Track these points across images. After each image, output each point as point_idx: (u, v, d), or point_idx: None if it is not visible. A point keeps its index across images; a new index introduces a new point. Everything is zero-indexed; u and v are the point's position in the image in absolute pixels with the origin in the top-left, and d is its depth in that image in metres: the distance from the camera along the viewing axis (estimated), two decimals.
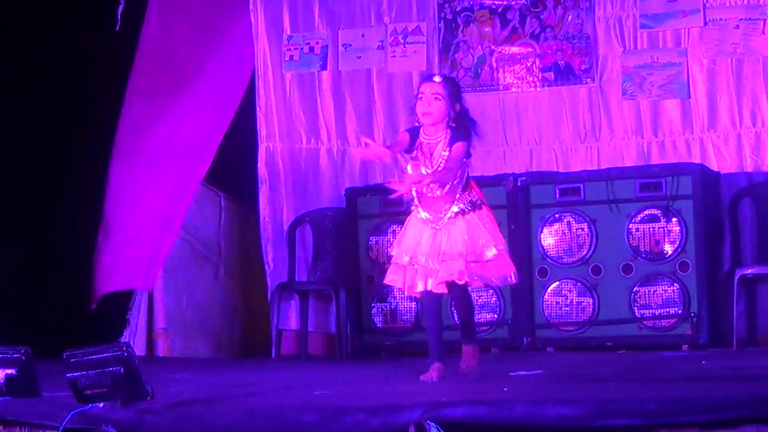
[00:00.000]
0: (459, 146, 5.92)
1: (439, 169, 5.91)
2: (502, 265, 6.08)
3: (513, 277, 6.17)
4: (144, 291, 8.30)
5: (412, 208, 6.09)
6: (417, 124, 6.00)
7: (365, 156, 6.00)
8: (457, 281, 5.93)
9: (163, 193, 8.34)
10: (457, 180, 5.97)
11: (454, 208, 5.95)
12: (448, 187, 5.94)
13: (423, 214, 6.01)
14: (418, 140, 5.96)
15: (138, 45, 8.48)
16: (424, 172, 5.94)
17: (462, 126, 6.01)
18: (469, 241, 5.92)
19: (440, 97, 5.93)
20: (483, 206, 6.03)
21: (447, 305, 7.73)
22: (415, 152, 5.97)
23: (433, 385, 5.71)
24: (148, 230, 8.30)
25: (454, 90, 6.02)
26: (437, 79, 6.03)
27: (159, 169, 8.37)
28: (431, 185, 5.91)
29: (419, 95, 5.99)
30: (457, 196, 5.97)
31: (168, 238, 8.36)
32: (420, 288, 5.96)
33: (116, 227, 8.28)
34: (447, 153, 5.91)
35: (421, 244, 5.97)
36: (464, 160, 5.98)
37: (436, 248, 5.93)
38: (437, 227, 5.96)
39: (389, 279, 6.15)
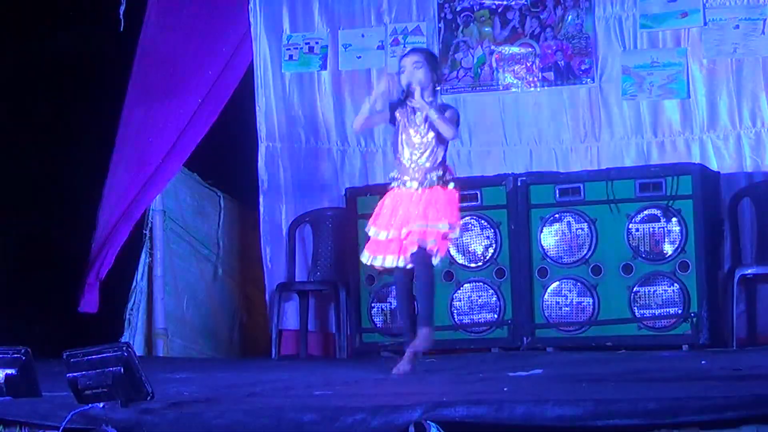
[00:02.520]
0: (453, 112, 6.31)
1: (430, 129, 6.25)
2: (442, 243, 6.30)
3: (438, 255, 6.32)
4: (100, 278, 8.32)
5: (392, 185, 6.35)
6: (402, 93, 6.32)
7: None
8: (419, 245, 6.18)
9: (140, 189, 8.38)
10: (442, 158, 6.27)
11: (433, 176, 6.24)
12: (433, 158, 6.24)
13: (409, 184, 6.25)
14: (407, 108, 6.31)
15: (137, 46, 8.49)
16: (414, 137, 6.26)
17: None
18: (434, 211, 6.20)
19: (420, 65, 6.27)
20: (453, 186, 6.32)
21: (447, 305, 7.75)
22: (400, 122, 6.32)
23: (432, 384, 5.72)
24: (121, 225, 8.35)
25: (432, 60, 6.39)
26: (407, 51, 6.50)
27: (148, 170, 8.39)
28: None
29: (401, 69, 6.33)
30: (438, 168, 6.25)
31: (126, 227, 8.40)
32: (390, 263, 6.28)
33: (103, 230, 8.30)
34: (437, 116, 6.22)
35: (397, 217, 6.25)
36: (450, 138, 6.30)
37: (407, 220, 6.21)
38: (413, 199, 6.24)
39: (366, 258, 6.39)
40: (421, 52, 6.38)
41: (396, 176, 6.35)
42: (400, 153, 6.32)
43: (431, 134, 6.24)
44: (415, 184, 6.25)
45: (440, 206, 6.22)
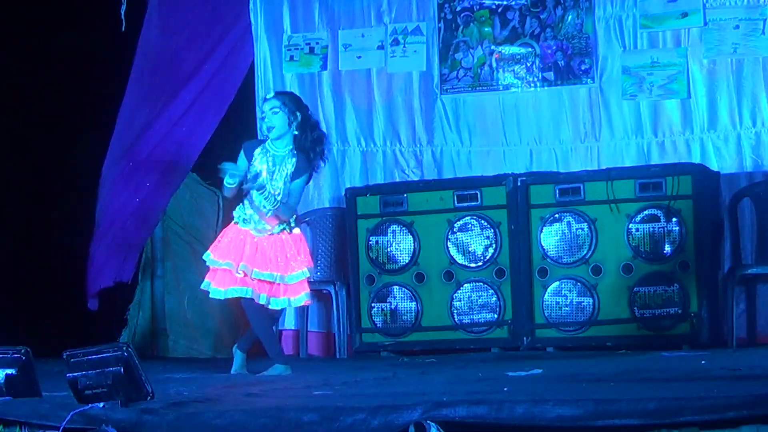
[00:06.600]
0: (301, 182, 6.53)
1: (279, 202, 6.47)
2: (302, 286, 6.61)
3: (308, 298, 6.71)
4: (123, 281, 8.33)
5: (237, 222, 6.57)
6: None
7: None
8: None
9: (148, 191, 8.38)
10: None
11: (281, 227, 6.53)
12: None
13: (254, 225, 6.49)
14: (261, 153, 6.54)
15: (137, 46, 8.49)
16: (267, 182, 6.43)
17: (310, 146, 6.57)
18: (291, 257, 6.52)
19: (278, 110, 6.49)
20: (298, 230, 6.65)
21: (447, 305, 7.76)
22: (259, 167, 6.50)
23: (433, 384, 5.72)
24: (132, 228, 8.35)
25: (291, 101, 6.57)
26: (270, 95, 6.67)
27: (148, 171, 8.40)
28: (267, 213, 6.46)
29: (262, 115, 6.58)
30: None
31: (146, 232, 8.42)
32: (263, 301, 6.49)
33: (104, 228, 8.30)
34: (290, 177, 6.47)
35: (245, 253, 6.46)
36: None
37: (267, 261, 6.48)
38: (261, 240, 6.50)
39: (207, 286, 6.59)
40: (277, 97, 6.56)
41: (244, 216, 6.52)
42: (252, 196, 6.50)
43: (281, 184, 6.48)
44: (267, 229, 6.49)
45: (302, 252, 6.54)
